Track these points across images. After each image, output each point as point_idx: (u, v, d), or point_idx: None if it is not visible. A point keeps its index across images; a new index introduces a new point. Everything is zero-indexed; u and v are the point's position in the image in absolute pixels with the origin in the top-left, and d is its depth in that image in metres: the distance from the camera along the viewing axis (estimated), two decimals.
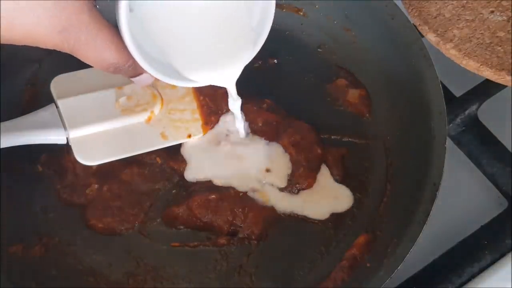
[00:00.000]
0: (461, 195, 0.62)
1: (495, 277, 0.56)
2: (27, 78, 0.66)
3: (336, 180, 0.61)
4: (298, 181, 0.60)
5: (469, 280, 0.56)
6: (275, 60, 0.69)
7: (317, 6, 0.68)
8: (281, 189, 0.60)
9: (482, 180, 0.62)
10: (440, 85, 0.57)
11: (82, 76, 0.62)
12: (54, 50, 0.64)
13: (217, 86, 0.64)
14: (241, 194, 0.60)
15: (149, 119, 0.61)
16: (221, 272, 0.57)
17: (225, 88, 0.64)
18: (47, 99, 0.61)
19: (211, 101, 0.63)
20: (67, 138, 0.58)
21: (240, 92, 0.65)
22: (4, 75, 0.64)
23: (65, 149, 0.61)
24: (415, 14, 0.65)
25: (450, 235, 0.59)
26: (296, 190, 0.60)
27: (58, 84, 0.61)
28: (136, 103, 0.61)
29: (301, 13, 0.70)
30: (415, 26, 0.63)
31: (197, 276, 0.57)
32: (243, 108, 0.62)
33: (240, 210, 0.58)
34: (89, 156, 0.58)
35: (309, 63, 0.69)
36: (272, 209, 0.59)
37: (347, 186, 0.60)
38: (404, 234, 0.51)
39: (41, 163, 0.63)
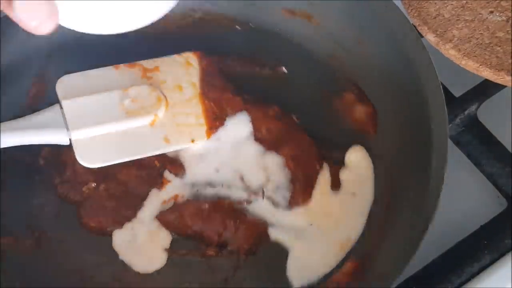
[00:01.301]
0: (460, 195, 0.62)
1: (495, 277, 0.56)
2: (35, 72, 0.66)
3: (333, 195, 0.60)
4: (294, 196, 0.59)
5: (468, 280, 0.56)
6: (283, 68, 0.68)
7: (330, 15, 0.66)
8: (276, 204, 0.59)
9: (482, 180, 0.62)
10: (446, 112, 0.55)
11: (88, 77, 0.62)
12: (64, 45, 0.66)
13: (222, 90, 0.63)
14: (234, 205, 0.59)
15: (153, 122, 0.61)
16: (206, 283, 0.57)
17: (230, 93, 0.63)
18: (53, 95, 0.61)
19: (216, 106, 0.63)
20: (69, 140, 0.58)
21: (246, 97, 0.64)
22: (12, 68, 0.64)
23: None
24: (415, 15, 0.65)
25: (450, 235, 0.59)
26: (290, 206, 0.59)
27: (63, 84, 0.61)
28: (141, 105, 0.60)
29: (314, 21, 0.68)
30: (416, 28, 0.63)
31: (182, 285, 0.57)
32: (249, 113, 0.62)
33: (231, 222, 0.58)
34: (91, 158, 0.58)
35: (317, 74, 0.67)
36: (265, 223, 0.59)
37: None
38: (400, 267, 0.50)
39: (43, 156, 0.63)
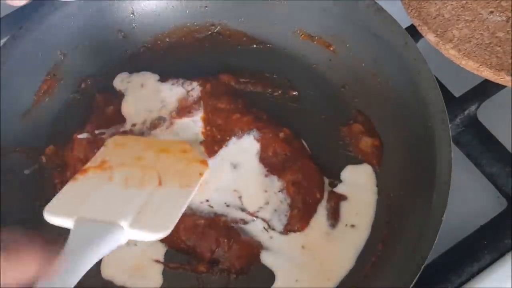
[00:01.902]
0: (460, 195, 0.62)
1: (495, 277, 0.56)
2: (49, 68, 0.66)
3: (332, 226, 0.59)
4: (290, 222, 0.59)
5: (468, 280, 0.56)
6: (295, 92, 0.68)
7: (347, 45, 0.66)
8: (271, 228, 0.59)
9: (482, 180, 0.62)
10: (451, 155, 0.54)
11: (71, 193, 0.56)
12: (81, 44, 0.67)
13: (229, 112, 0.63)
14: (230, 224, 0.59)
15: (159, 182, 0.57)
16: None
17: (238, 113, 0.63)
18: (64, 93, 0.63)
19: (219, 131, 0.63)
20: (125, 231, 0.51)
21: (258, 115, 0.64)
22: (26, 61, 0.64)
23: (70, 145, 0.62)
24: (415, 15, 0.65)
25: (450, 235, 0.59)
26: (285, 232, 0.59)
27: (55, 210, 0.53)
28: (140, 178, 0.57)
29: (331, 49, 0.68)
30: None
31: None
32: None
33: (225, 240, 0.57)
34: (159, 228, 0.52)
35: (329, 101, 0.67)
36: (258, 244, 0.58)
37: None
38: None
39: (46, 154, 0.63)
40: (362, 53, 0.65)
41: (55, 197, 0.54)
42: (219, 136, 0.63)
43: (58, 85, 0.67)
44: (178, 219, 0.53)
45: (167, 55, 0.71)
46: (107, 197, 0.54)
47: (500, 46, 0.61)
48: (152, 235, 0.51)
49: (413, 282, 0.49)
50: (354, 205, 0.60)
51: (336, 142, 0.64)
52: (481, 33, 0.62)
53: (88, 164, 0.58)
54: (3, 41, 0.65)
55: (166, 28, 0.72)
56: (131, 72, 0.69)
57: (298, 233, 0.59)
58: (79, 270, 0.46)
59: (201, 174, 0.59)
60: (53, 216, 0.51)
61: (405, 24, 0.64)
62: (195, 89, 0.66)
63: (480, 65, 0.60)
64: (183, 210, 0.54)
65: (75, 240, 0.48)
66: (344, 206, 0.60)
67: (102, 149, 0.61)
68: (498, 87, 0.63)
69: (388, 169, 0.61)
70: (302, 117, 0.66)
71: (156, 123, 0.65)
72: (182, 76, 0.68)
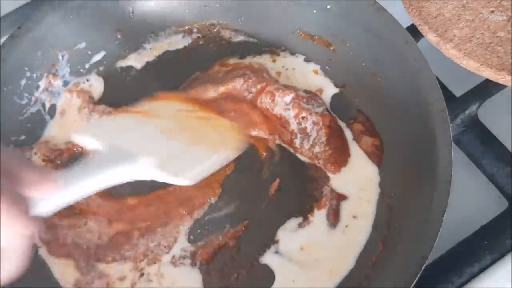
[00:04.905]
0: (461, 195, 0.62)
1: (495, 277, 0.56)
2: (48, 68, 0.66)
3: (332, 225, 0.59)
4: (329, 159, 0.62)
5: (469, 280, 0.56)
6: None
7: (348, 44, 0.66)
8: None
9: (483, 180, 0.62)
10: (451, 155, 0.53)
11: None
12: (80, 44, 0.68)
13: None
14: None
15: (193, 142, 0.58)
16: None
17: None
18: (64, 93, 0.64)
19: None
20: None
21: None
22: (25, 60, 0.64)
23: None
24: (415, 14, 0.65)
25: (450, 235, 0.58)
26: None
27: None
28: (177, 130, 0.58)
29: (331, 49, 0.68)
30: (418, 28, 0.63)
31: None
32: None
33: None
34: (183, 176, 0.52)
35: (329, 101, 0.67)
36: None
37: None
38: None
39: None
40: (362, 53, 0.65)
41: (86, 124, 0.60)
42: None
43: (58, 84, 0.66)
44: (203, 176, 0.54)
45: (167, 55, 0.71)
46: (139, 135, 0.55)
47: (501, 46, 0.61)
48: (174, 180, 0.51)
49: (414, 282, 0.49)
50: (355, 205, 0.60)
51: None
52: (482, 33, 0.62)
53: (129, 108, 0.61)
54: (2, 40, 0.65)
55: (165, 28, 0.72)
56: None
57: (298, 232, 0.59)
58: (96, 184, 0.47)
59: (236, 150, 0.59)
60: (83, 135, 0.53)
61: (405, 23, 0.64)
62: None
63: (481, 64, 0.60)
64: (211, 171, 0.55)
65: (99, 158, 0.49)
66: (345, 206, 0.60)
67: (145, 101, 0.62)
68: (499, 87, 0.63)
69: (388, 169, 0.61)
70: None
71: None
72: (182, 75, 0.68)
